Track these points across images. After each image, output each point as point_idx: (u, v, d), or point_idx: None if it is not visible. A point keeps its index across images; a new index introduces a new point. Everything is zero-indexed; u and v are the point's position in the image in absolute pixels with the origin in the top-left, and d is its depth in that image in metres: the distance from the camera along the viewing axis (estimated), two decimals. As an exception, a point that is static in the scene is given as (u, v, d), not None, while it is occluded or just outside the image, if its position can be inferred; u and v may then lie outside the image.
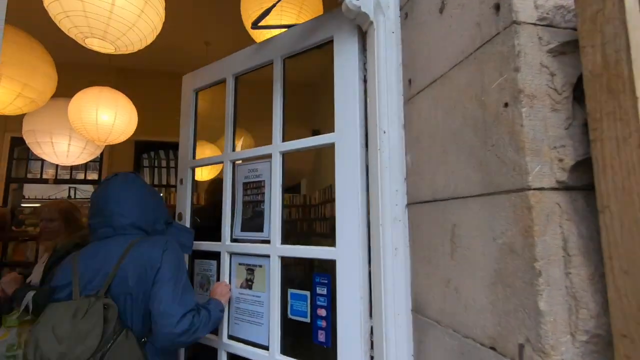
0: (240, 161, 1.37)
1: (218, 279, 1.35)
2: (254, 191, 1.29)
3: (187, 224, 1.48)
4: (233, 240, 1.33)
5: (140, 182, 1.23)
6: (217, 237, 1.36)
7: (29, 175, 4.77)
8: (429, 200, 0.79)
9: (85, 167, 4.91)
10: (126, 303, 1.06)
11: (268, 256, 1.19)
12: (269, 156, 1.23)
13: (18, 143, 4.31)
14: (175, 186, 5.55)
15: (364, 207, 1.01)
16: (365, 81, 1.03)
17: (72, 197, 6.00)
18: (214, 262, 1.40)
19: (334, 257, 1.04)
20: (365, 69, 1.03)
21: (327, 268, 1.07)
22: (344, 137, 1.04)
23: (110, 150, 4.69)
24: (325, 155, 4.19)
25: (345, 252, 1.01)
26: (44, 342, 0.93)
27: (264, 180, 1.27)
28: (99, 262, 1.10)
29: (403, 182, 0.90)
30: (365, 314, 0.98)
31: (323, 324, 1.07)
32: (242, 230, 1.31)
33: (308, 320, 1.10)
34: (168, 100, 4.54)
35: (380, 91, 0.93)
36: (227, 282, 1.31)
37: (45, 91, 2.20)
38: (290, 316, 1.15)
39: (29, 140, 2.89)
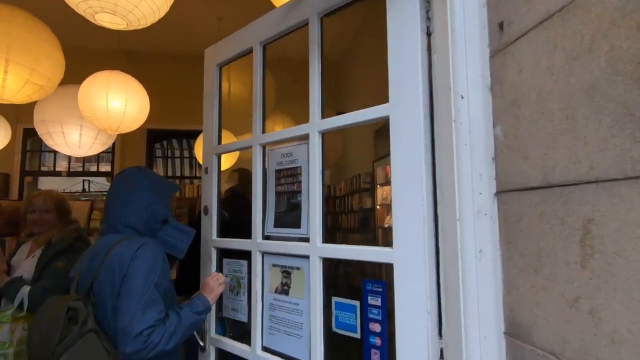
0: (272, 145, 1.21)
1: (250, 282, 1.21)
2: (289, 180, 1.13)
3: (214, 218, 1.35)
4: (265, 237, 1.18)
5: (139, 176, 1.21)
6: (247, 233, 1.22)
7: (42, 168, 4.89)
8: (538, 187, 0.59)
9: (97, 159, 4.99)
10: (103, 305, 1.06)
11: (307, 257, 1.03)
12: (306, 137, 1.06)
13: (31, 134, 4.40)
14: (189, 177, 5.55)
15: (430, 198, 0.82)
16: (429, 34, 0.83)
17: (87, 190, 6.18)
18: (245, 263, 1.26)
19: (390, 261, 0.86)
20: (428, 19, 0.83)
21: (382, 273, 0.90)
22: (402, 108, 0.85)
23: (122, 141, 4.72)
24: (351, 141, 3.98)
25: (405, 255, 0.83)
26: (33, 336, 1.03)
27: (300, 167, 1.10)
28: (91, 259, 1.13)
29: (490, 163, 0.70)
30: (434, 333, 0.80)
31: (377, 341, 0.90)
32: (276, 226, 1.16)
33: (358, 335, 0.94)
34: (180, 85, 4.49)
35: (456, 43, 0.73)
36: (221, 275, 1.24)
37: (54, 77, 2.15)
38: (335, 329, 0.99)
39: (40, 131, 2.90)
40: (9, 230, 2.77)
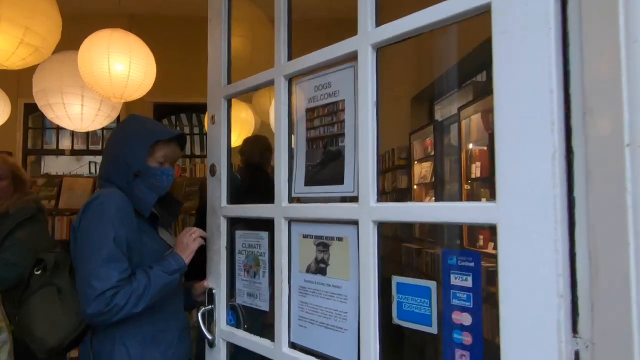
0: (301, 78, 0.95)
1: (272, 259, 0.98)
2: (326, 120, 0.88)
3: (224, 180, 1.11)
4: (293, 199, 0.94)
5: (126, 126, 1.18)
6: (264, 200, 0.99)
7: (45, 147, 4.83)
8: None
9: (102, 138, 4.90)
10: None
11: (354, 222, 0.78)
12: (353, 57, 0.80)
13: (32, 110, 4.30)
14: (200, 156, 5.32)
15: (560, 123, 0.56)
16: None
17: (94, 172, 6.15)
18: (265, 235, 1.03)
19: (492, 221, 0.61)
20: None
21: (472, 241, 0.64)
22: (515, -13, 0.58)
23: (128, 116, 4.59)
24: (384, 110, 3.67)
25: (518, 210, 0.58)
26: None
27: (342, 100, 0.85)
28: None
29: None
30: (566, 327, 0.55)
31: (466, 339, 0.65)
32: (308, 183, 0.91)
33: (433, 330, 0.69)
34: (190, 52, 4.24)
35: None
36: (195, 229, 1.15)
37: (49, 37, 2.06)
38: (397, 320, 0.75)
39: (40, 102, 2.81)
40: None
